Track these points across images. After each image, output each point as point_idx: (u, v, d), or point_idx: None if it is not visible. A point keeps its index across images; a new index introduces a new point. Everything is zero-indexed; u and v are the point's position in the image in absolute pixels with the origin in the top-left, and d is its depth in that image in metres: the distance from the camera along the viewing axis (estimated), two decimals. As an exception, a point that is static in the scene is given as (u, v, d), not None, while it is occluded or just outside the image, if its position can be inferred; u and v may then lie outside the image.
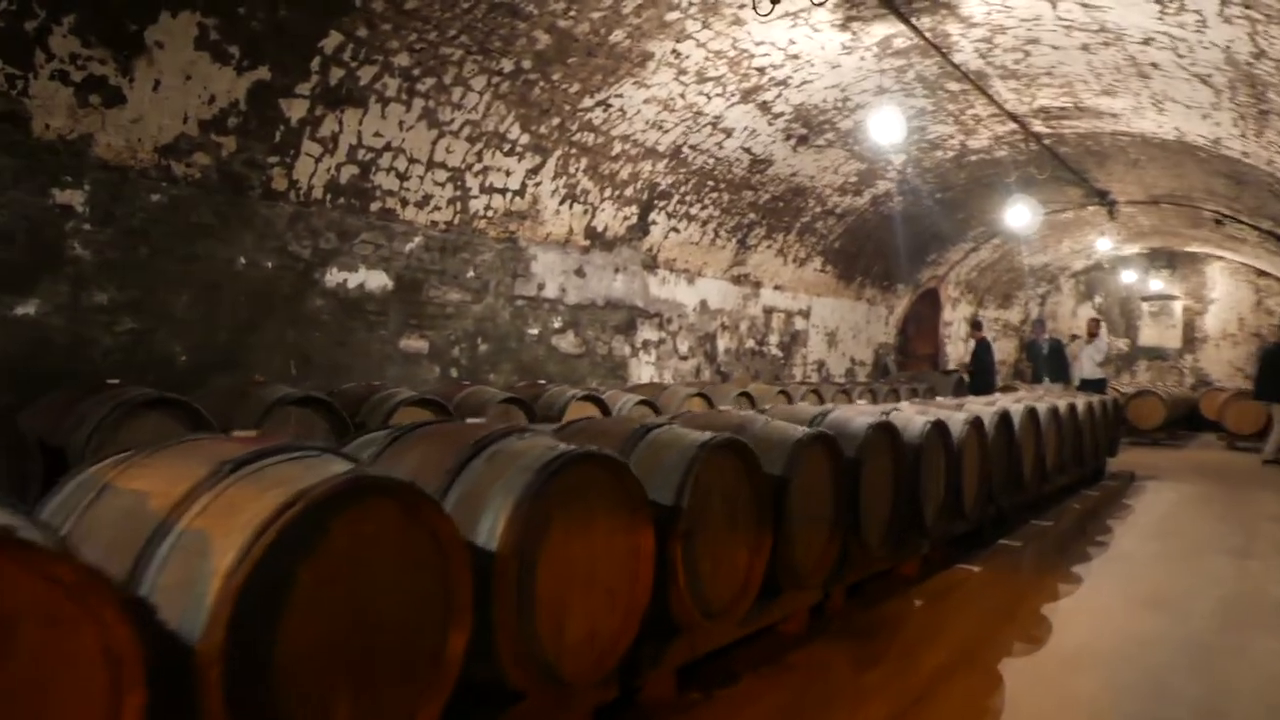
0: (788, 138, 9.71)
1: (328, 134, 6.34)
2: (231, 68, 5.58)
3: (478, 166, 7.48)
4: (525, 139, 7.62)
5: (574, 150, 8.11)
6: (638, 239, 9.57)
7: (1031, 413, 7.62)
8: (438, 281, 7.54)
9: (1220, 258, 20.26)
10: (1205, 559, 7.29)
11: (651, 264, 9.93)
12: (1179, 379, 20.99)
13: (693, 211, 9.95)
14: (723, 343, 11.21)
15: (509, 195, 7.91)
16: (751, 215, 10.83)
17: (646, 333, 9.92)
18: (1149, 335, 21.25)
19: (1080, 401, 9.46)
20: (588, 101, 7.69)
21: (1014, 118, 10.15)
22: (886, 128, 7.95)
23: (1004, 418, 6.94)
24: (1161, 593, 6.19)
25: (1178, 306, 21.03)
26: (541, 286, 8.55)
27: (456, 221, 7.59)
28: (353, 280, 6.86)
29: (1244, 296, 20.35)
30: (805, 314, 13.04)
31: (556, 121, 7.71)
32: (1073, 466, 9.17)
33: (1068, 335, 22.31)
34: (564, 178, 8.25)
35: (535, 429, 3.14)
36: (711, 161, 9.48)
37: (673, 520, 3.14)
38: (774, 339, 12.28)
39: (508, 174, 7.76)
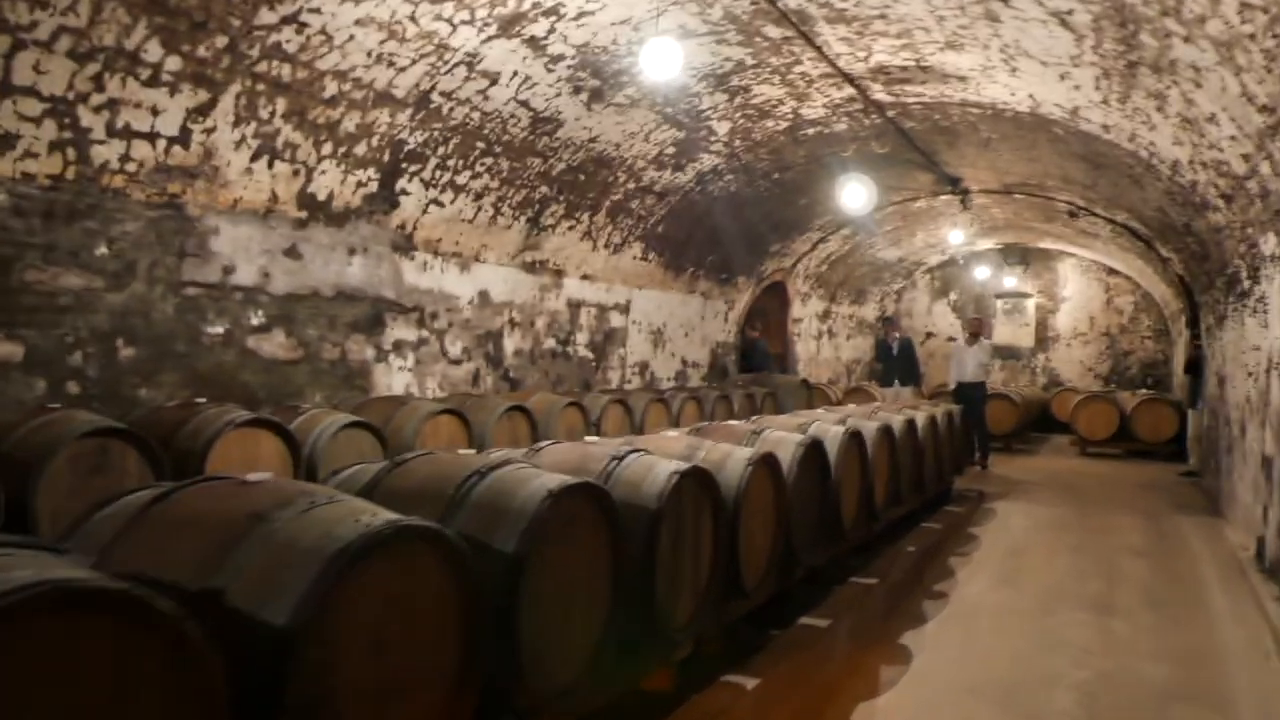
0: (576, 91, 7.83)
1: None
2: None
3: (99, 99, 5.26)
4: (175, 63, 5.45)
5: (263, 86, 5.98)
6: (383, 212, 7.50)
7: (855, 438, 5.97)
8: (41, 260, 5.29)
9: (1073, 254, 19.69)
10: (1062, 616, 5.85)
11: (406, 245, 7.87)
12: (1031, 379, 20.35)
13: (460, 181, 7.95)
14: (512, 343, 9.26)
15: (163, 143, 5.72)
16: (544, 189, 8.91)
17: (401, 331, 7.87)
18: (1003, 334, 20.52)
19: (921, 416, 7.95)
20: (268, 15, 5.58)
21: (850, 79, 8.57)
22: (660, 60, 6.16)
23: (813, 450, 5.22)
24: (1009, 677, 4.71)
25: (1030, 304, 20.37)
26: (230, 270, 6.38)
27: (71, 175, 5.35)
28: None
29: (1095, 295, 19.84)
30: (624, 309, 11.23)
31: (223, 42, 5.56)
32: (912, 495, 7.64)
33: (922, 333, 21.45)
34: (253, 124, 6.11)
35: None
36: (477, 116, 7.50)
37: None
38: (582, 338, 10.41)
39: (156, 112, 5.57)
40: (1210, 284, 9.81)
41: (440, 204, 7.95)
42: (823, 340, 18.23)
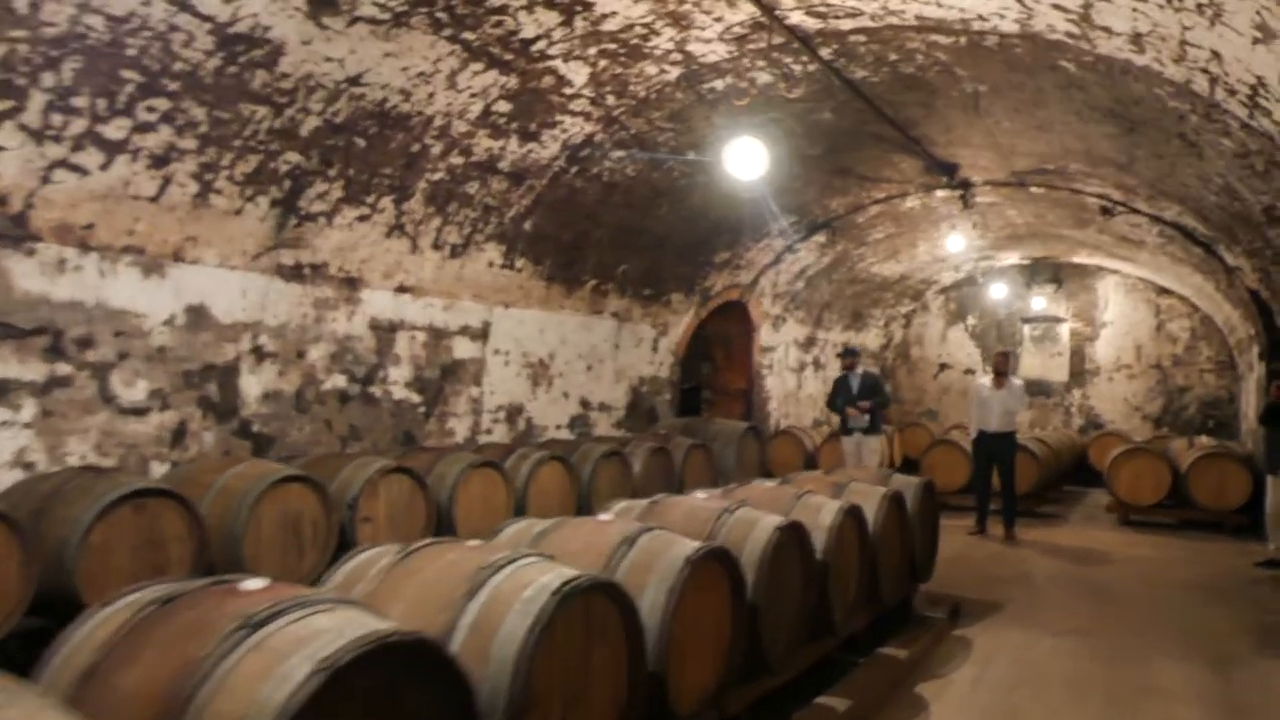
0: (281, -11, 4.94)
1: None
2: None
3: None
4: None
5: None
6: (-55, 177, 4.68)
7: (601, 595, 2.93)
8: None
9: (1114, 270, 16.36)
10: None
11: (16, 232, 5.03)
12: (1065, 419, 16.98)
13: (111, 134, 5.09)
14: (259, 382, 6.35)
15: None
16: (294, 156, 6.02)
17: (7, 367, 5.01)
18: (1031, 365, 17.19)
19: (830, 511, 4.85)
20: None
21: (739, -15, 5.59)
22: None
23: (426, 662, 2.19)
24: None
25: (1064, 330, 17.03)
26: None
27: None
28: None
29: (1142, 319, 16.46)
30: (479, 334, 8.28)
31: None
32: (796, 653, 4.54)
33: (935, 364, 18.19)
34: None
35: None
36: (102, 25, 4.64)
37: None
38: (400, 374, 7.46)
39: None
40: (1304, 299, 6.59)
41: (79, 169, 5.08)
42: (805, 374, 15.09)
